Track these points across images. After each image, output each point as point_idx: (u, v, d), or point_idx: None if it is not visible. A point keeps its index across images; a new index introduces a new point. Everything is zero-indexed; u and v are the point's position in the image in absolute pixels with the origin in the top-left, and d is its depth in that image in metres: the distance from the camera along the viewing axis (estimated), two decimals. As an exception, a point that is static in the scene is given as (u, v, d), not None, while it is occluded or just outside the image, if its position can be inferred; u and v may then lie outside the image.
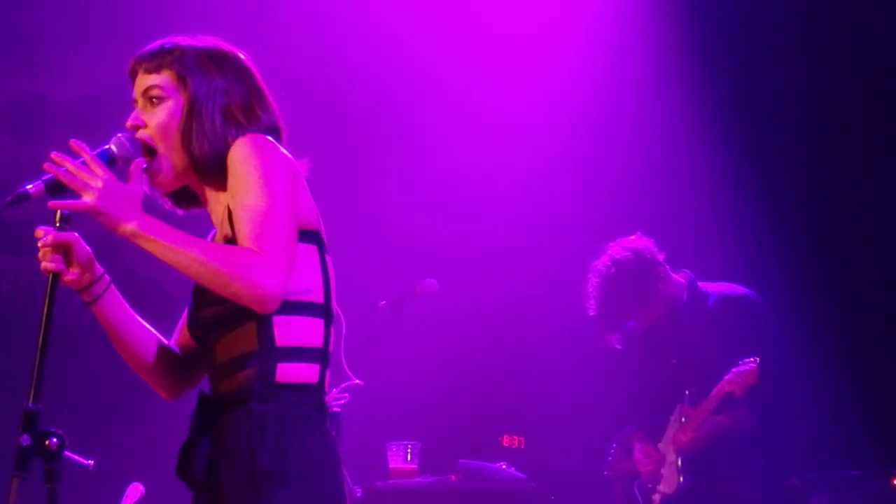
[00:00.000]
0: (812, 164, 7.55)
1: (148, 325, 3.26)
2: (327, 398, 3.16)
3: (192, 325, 3.19)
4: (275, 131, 3.22)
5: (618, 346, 6.29)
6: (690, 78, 7.68)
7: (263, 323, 3.02)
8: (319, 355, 3.09)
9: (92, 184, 2.94)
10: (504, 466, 6.55)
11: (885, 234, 7.36)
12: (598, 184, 7.86)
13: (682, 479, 6.10)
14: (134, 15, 7.36)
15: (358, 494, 6.04)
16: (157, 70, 3.20)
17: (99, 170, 2.96)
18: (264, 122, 3.21)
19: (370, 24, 7.79)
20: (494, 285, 7.92)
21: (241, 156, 3.05)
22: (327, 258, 3.15)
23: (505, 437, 7.29)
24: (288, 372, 3.04)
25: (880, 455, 6.69)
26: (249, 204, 2.98)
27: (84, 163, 2.97)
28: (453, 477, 6.46)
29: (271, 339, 3.02)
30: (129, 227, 2.94)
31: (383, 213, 7.71)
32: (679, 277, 6.21)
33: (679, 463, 6.12)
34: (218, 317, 3.07)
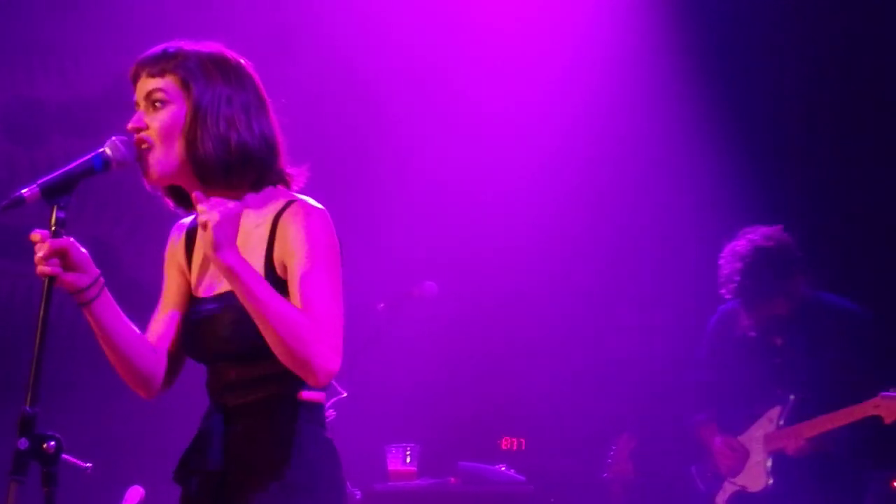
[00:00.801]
0: (814, 163, 7.54)
1: (136, 328, 3.26)
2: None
3: (196, 351, 3.26)
4: (272, 140, 3.25)
5: (752, 334, 6.21)
6: (688, 76, 7.67)
7: None
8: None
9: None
10: (503, 468, 6.55)
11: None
12: (596, 184, 7.85)
13: (770, 480, 6.07)
14: (132, 20, 7.35)
15: (357, 497, 6.04)
16: (160, 74, 3.21)
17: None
18: (264, 131, 3.23)
19: (367, 26, 7.78)
20: (493, 287, 7.91)
21: (305, 227, 3.16)
22: None
23: (504, 439, 7.29)
24: (307, 394, 3.17)
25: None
26: (313, 283, 3.11)
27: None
28: (452, 479, 6.47)
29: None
30: (230, 259, 3.03)
31: (382, 214, 7.71)
32: (804, 282, 6.16)
33: (769, 464, 6.09)
34: (238, 351, 3.16)
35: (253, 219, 3.22)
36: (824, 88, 7.56)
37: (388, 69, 7.78)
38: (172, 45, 3.27)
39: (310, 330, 3.03)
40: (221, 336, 3.14)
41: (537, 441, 7.37)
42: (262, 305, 3.02)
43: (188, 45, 3.26)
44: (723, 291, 6.20)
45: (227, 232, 3.01)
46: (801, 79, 7.60)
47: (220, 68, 3.24)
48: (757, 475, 6.12)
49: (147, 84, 3.22)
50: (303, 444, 3.12)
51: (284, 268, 3.15)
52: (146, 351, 3.27)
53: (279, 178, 3.27)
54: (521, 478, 6.51)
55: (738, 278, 6.10)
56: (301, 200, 3.21)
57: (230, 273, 3.02)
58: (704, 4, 7.75)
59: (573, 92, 7.82)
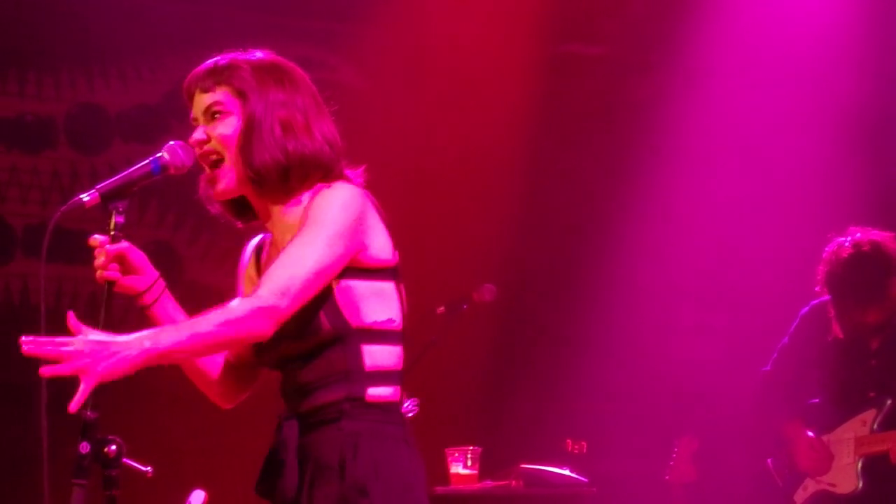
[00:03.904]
0: None
1: None
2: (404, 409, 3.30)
3: (269, 357, 3.22)
4: (332, 144, 3.24)
5: (845, 333, 6.07)
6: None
7: (351, 350, 3.11)
8: (399, 377, 3.20)
9: (78, 359, 2.81)
10: (568, 471, 6.52)
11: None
12: (656, 185, 7.81)
13: (860, 483, 6.01)
14: (190, 25, 7.39)
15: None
16: (214, 87, 3.22)
17: (73, 342, 2.85)
18: (317, 136, 3.22)
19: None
20: (555, 289, 7.90)
21: (322, 203, 3.11)
22: (402, 289, 3.23)
23: (568, 441, 7.26)
24: (375, 394, 3.14)
25: None
26: (293, 252, 3.04)
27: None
28: (514, 482, 6.44)
29: (360, 364, 3.12)
30: (141, 358, 2.84)
31: (442, 218, 7.71)
32: None
33: (859, 466, 6.02)
34: (303, 350, 3.14)
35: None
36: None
37: (414, 73, 7.76)
38: (223, 57, 3.27)
39: (224, 324, 2.91)
40: (283, 334, 3.10)
41: (599, 443, 7.34)
42: (186, 348, 2.92)
43: (240, 56, 3.27)
44: (817, 289, 6.11)
45: (109, 358, 2.82)
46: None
47: (273, 74, 3.24)
48: (847, 477, 6.02)
49: (203, 99, 3.23)
50: (373, 446, 3.09)
51: None
52: (215, 357, 3.29)
53: (337, 179, 3.23)
54: (584, 479, 6.47)
55: (833, 279, 6.01)
56: (333, 182, 3.18)
57: (157, 362, 2.88)
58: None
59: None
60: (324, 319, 3.09)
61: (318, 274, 3.03)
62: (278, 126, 3.17)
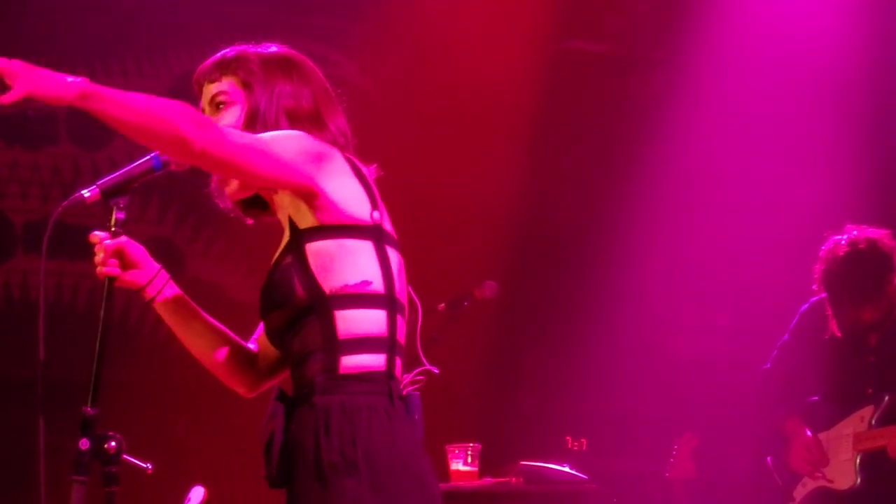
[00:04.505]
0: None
1: (216, 322, 3.26)
2: (403, 383, 3.13)
3: (267, 332, 3.18)
4: (344, 138, 3.21)
5: (844, 330, 6.04)
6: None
7: (325, 318, 3.00)
8: (385, 344, 3.05)
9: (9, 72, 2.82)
10: (568, 468, 6.52)
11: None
12: (660, 185, 7.81)
13: (859, 479, 6.00)
14: (192, 21, 7.40)
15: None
16: (220, 78, 3.20)
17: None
18: (331, 129, 3.19)
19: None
20: (555, 287, 7.90)
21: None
22: (388, 250, 3.10)
23: (568, 438, 7.27)
24: (351, 363, 3.00)
25: None
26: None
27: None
28: (514, 479, 6.44)
29: (333, 332, 2.99)
30: (75, 90, 2.80)
31: (444, 214, 7.71)
32: None
33: (857, 462, 6.02)
34: (284, 319, 3.05)
35: None
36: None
37: (417, 72, 7.76)
38: (232, 48, 3.25)
39: (165, 108, 2.82)
40: (267, 304, 3.07)
41: (600, 440, 7.35)
42: (121, 108, 2.83)
43: (249, 48, 3.25)
44: (814, 287, 6.11)
45: (40, 76, 2.85)
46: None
47: (282, 66, 3.21)
48: (846, 473, 6.02)
49: (209, 90, 3.21)
50: (346, 420, 2.94)
51: (296, 214, 3.05)
52: (230, 344, 3.27)
53: None
54: (584, 477, 6.47)
55: (828, 277, 6.01)
56: None
57: (85, 102, 2.82)
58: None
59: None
60: (297, 285, 3.00)
61: (254, 150, 2.93)
62: (283, 116, 3.15)
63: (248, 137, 2.97)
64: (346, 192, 3.07)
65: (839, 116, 7.67)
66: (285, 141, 3.01)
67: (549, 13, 7.94)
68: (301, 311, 3.01)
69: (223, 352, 3.27)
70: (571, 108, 8.15)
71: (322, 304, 3.00)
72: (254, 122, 3.14)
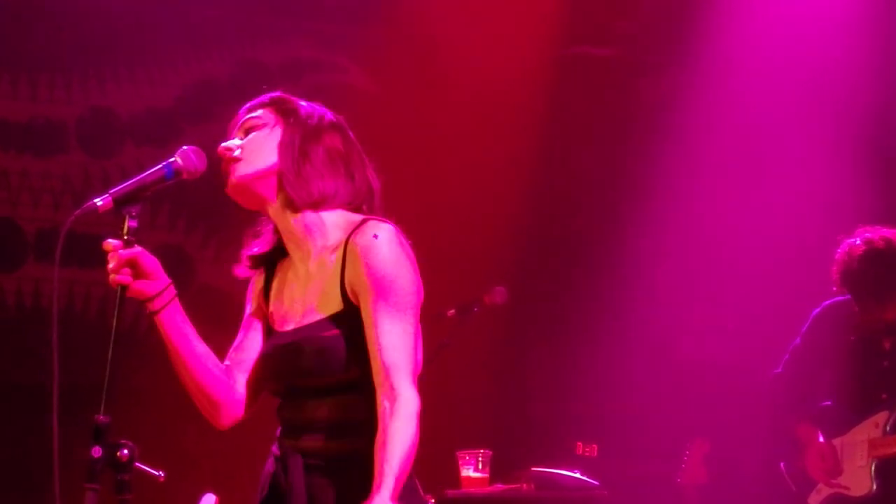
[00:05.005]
0: None
1: (207, 348, 3.27)
2: None
3: (279, 378, 3.19)
4: (370, 191, 3.26)
5: (859, 333, 6.03)
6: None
7: (370, 396, 3.04)
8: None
9: None
10: (579, 474, 6.52)
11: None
12: (670, 188, 7.81)
13: (874, 485, 5.98)
14: (201, 28, 7.41)
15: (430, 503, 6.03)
16: (258, 109, 3.27)
17: None
18: (361, 178, 3.24)
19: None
20: (565, 291, 7.89)
21: (389, 268, 3.09)
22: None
23: (579, 444, 7.26)
24: None
25: None
26: (398, 332, 3.03)
27: None
28: (525, 485, 6.44)
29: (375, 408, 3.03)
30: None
31: (453, 220, 7.71)
32: None
33: (873, 469, 6.01)
34: (318, 386, 3.10)
35: (329, 242, 3.20)
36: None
37: (424, 76, 7.77)
38: (275, 92, 3.32)
39: (404, 441, 2.94)
40: (303, 367, 3.11)
41: (610, 446, 7.34)
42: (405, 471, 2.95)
43: (290, 95, 3.31)
44: (834, 289, 6.09)
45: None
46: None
47: (319, 117, 3.26)
48: (860, 479, 6.00)
49: (245, 121, 3.27)
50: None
51: (355, 293, 3.10)
52: (215, 372, 3.26)
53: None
54: (595, 483, 6.47)
55: (849, 277, 5.99)
56: (370, 221, 3.15)
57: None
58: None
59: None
60: (349, 361, 3.07)
61: (416, 348, 3.07)
62: (322, 151, 3.20)
63: (410, 343, 3.06)
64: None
65: (847, 118, 7.66)
66: (413, 300, 3.09)
67: (556, 18, 7.95)
68: (343, 385, 3.08)
69: (208, 379, 3.25)
70: (580, 113, 8.15)
71: (366, 384, 3.05)
72: (292, 147, 3.20)
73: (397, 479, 2.90)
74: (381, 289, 3.06)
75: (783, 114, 7.77)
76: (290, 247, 3.27)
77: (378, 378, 3.01)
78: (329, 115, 3.30)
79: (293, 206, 3.20)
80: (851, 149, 7.60)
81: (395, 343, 3.02)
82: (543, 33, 7.94)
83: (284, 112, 3.24)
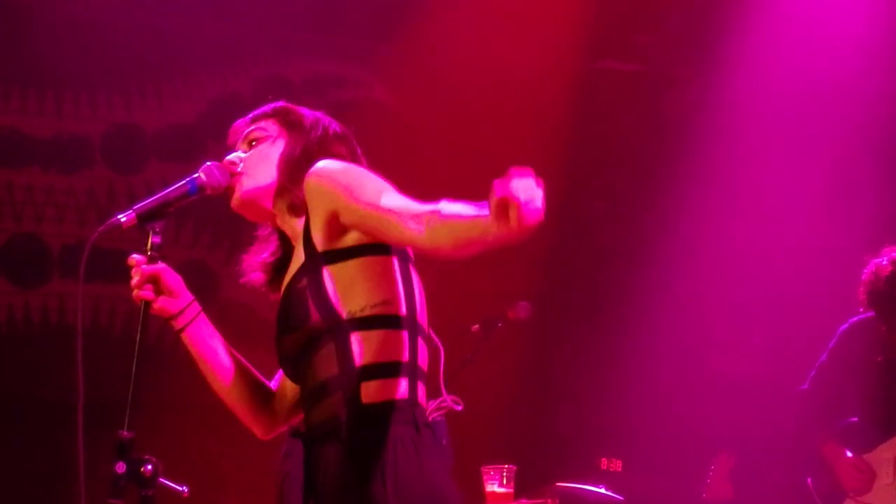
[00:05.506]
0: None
1: (241, 358, 3.26)
2: (428, 410, 3.08)
3: (281, 360, 3.14)
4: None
5: (885, 351, 6.07)
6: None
7: (341, 343, 2.95)
8: (407, 369, 2.99)
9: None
10: (604, 489, 6.50)
11: None
12: (692, 201, 7.80)
13: None
14: (226, 44, 7.43)
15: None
16: (261, 120, 3.25)
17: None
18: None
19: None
20: (590, 307, 7.88)
21: (328, 173, 3.01)
22: (412, 270, 3.08)
23: (603, 459, 7.24)
24: (373, 391, 2.94)
25: None
26: (370, 202, 2.91)
27: None
28: (550, 500, 6.42)
29: (350, 359, 2.94)
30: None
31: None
32: None
33: None
34: (298, 343, 3.03)
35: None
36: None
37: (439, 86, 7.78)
38: (277, 103, 3.29)
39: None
40: (288, 325, 3.04)
41: (635, 461, 7.32)
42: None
43: (292, 105, 3.29)
44: (860, 309, 6.08)
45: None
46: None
47: (322, 125, 3.23)
48: (887, 497, 5.97)
49: (247, 132, 3.25)
50: (377, 456, 2.88)
51: (325, 237, 2.99)
52: (254, 384, 3.26)
53: None
54: (620, 498, 6.45)
55: (876, 298, 5.98)
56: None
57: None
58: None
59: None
60: (312, 309, 2.97)
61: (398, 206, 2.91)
62: (327, 158, 3.13)
63: (382, 194, 2.93)
64: None
65: (877, 133, 7.64)
66: (370, 183, 2.98)
67: (580, 33, 7.95)
68: (315, 335, 2.97)
69: (244, 390, 3.26)
70: (604, 128, 8.15)
71: (338, 328, 2.95)
72: (293, 159, 3.17)
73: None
74: (338, 196, 2.96)
75: (809, 125, 7.75)
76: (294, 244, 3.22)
77: (400, 229, 2.85)
78: (334, 126, 3.26)
79: (296, 210, 3.15)
80: (881, 162, 7.58)
81: (385, 201, 2.90)
82: (568, 48, 7.94)
83: (288, 124, 3.22)
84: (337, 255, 2.99)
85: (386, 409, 2.94)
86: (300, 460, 2.98)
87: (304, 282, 3.00)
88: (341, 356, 2.95)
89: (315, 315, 2.96)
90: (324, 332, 2.96)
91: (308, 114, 3.26)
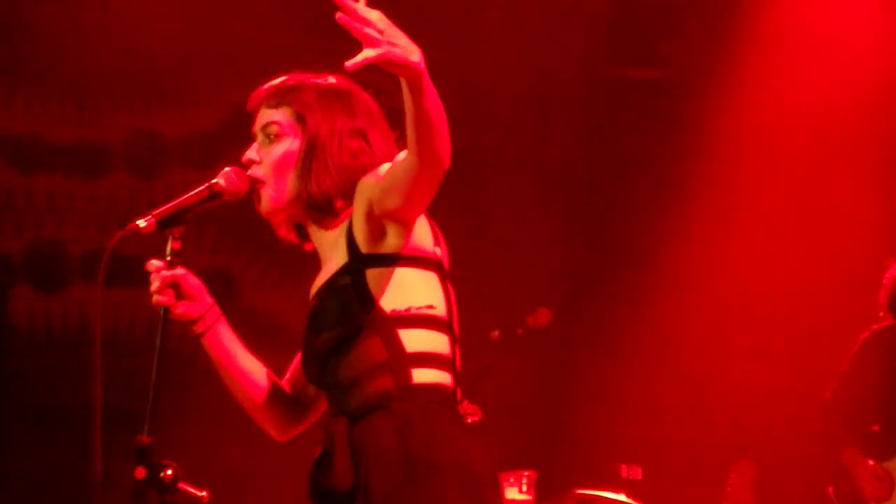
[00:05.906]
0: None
1: (260, 362, 3.26)
2: (461, 410, 3.13)
3: (307, 357, 3.14)
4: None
5: None
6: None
7: (387, 334, 3.00)
8: (449, 364, 3.06)
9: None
10: (624, 496, 6.49)
11: None
12: (703, 209, 7.78)
13: None
14: (247, 50, 7.44)
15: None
16: (276, 106, 3.19)
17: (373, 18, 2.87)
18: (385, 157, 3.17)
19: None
20: (610, 314, 7.87)
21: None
22: (449, 286, 3.12)
23: (623, 466, 7.23)
24: (423, 376, 3.01)
25: None
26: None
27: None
28: (570, 507, 6.42)
29: (400, 346, 3.00)
30: (419, 68, 2.92)
31: (496, 241, 7.71)
32: None
33: None
34: (337, 339, 3.03)
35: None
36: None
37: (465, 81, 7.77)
38: (293, 76, 3.25)
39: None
40: (323, 324, 3.06)
41: (655, 468, 7.30)
42: (434, 100, 2.97)
43: (310, 78, 3.24)
44: (881, 314, 6.08)
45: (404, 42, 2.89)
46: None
47: (343, 101, 3.20)
48: None
49: (264, 116, 3.20)
50: (429, 424, 2.95)
51: (366, 237, 3.03)
52: (273, 388, 3.25)
53: None
54: (640, 504, 6.44)
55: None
56: None
57: (420, 79, 2.91)
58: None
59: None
60: (356, 305, 3.00)
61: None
62: (347, 155, 3.14)
63: None
64: (420, 227, 3.10)
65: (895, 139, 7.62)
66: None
67: (600, 40, 7.94)
68: (355, 331, 3.00)
69: (262, 394, 3.25)
70: (624, 135, 8.14)
71: (383, 324, 2.99)
72: (313, 154, 3.14)
73: (429, 81, 2.90)
74: (368, 182, 3.04)
75: (833, 132, 7.73)
76: (317, 247, 3.23)
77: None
78: (346, 95, 3.23)
79: (319, 214, 3.16)
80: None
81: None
82: (586, 56, 7.93)
83: (301, 117, 3.17)
84: (379, 260, 3.04)
85: (434, 391, 3.01)
86: (345, 437, 3.00)
87: (348, 280, 3.04)
88: (390, 345, 3.00)
89: (358, 312, 3.00)
90: (364, 327, 3.00)
91: (320, 95, 3.21)
